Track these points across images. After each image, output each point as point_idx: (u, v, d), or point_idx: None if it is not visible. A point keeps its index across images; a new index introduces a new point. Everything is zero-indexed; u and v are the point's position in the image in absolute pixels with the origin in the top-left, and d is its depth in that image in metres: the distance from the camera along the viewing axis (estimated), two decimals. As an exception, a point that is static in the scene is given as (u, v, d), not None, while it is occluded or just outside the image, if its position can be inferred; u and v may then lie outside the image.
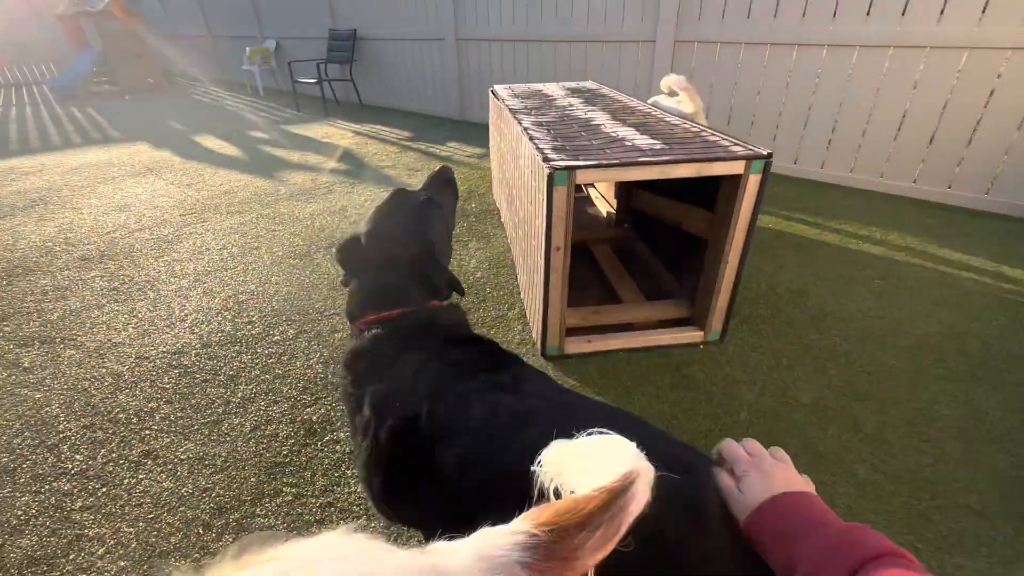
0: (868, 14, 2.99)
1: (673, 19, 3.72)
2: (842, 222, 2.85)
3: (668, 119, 2.02)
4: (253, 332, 2.05)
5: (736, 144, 1.63)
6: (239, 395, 1.71)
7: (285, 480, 1.39)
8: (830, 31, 3.14)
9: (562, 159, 1.52)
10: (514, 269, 2.46)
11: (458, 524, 0.45)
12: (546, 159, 1.52)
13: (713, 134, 1.76)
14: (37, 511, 1.32)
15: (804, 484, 0.53)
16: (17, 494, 1.37)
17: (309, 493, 1.35)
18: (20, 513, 1.32)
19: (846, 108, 3.24)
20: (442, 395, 0.69)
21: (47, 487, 1.39)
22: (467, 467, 0.62)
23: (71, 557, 1.20)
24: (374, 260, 0.91)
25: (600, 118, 2.10)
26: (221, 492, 1.36)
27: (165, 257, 2.70)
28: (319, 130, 5.47)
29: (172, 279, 2.48)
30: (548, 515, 0.38)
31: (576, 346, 1.82)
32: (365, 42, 6.39)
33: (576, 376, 1.75)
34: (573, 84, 3.12)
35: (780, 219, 2.92)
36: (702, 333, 1.85)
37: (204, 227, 3.07)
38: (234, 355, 1.91)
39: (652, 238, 2.48)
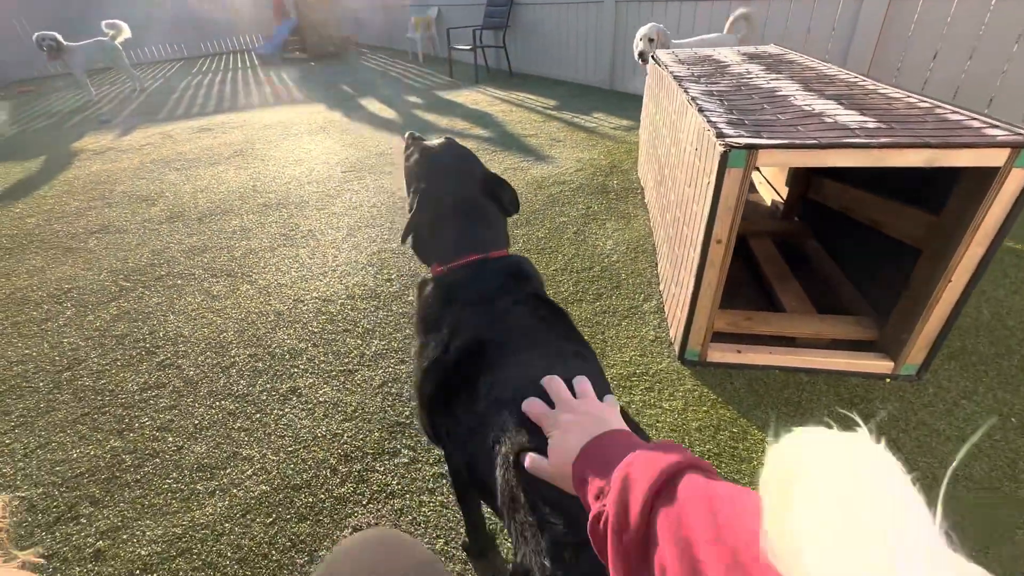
0: None
1: (895, -34, 2.99)
2: (1124, 240, 2.09)
3: (882, 90, 1.60)
4: (391, 290, 2.15)
5: (993, 125, 1.21)
6: (372, 349, 1.81)
7: (404, 441, 1.43)
8: None
9: (740, 135, 1.27)
10: (655, 256, 2.24)
11: (473, 441, 0.69)
12: (720, 135, 1.28)
13: (955, 110, 1.34)
14: (208, 423, 1.53)
15: (618, 422, 0.53)
16: (197, 405, 1.61)
17: (424, 459, 1.37)
18: (197, 422, 1.54)
19: None
20: (512, 336, 0.78)
21: (218, 404, 1.61)
22: (493, 389, 0.70)
23: (227, 471, 1.37)
24: (456, 207, 0.97)
25: (788, 88, 1.74)
26: (348, 440, 1.45)
27: (326, 210, 2.97)
28: (468, 96, 5.58)
29: (329, 231, 2.71)
30: None
31: (722, 355, 1.59)
32: (520, 7, 6.30)
33: (718, 390, 1.52)
34: (751, 49, 2.69)
35: None
36: (892, 364, 1.49)
37: (360, 184, 3.31)
38: (372, 309, 2.02)
39: (831, 237, 2.07)
